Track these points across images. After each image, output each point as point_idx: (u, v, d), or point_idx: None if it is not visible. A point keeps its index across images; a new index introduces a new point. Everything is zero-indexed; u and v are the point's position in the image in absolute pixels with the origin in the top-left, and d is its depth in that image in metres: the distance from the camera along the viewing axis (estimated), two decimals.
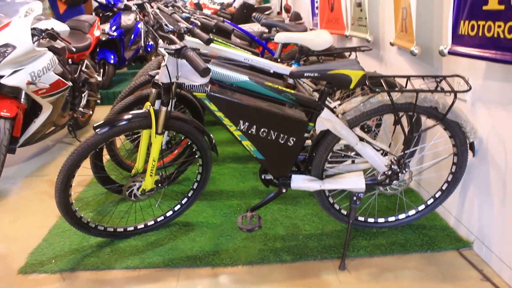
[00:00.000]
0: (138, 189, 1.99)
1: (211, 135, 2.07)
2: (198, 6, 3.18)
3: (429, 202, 2.14)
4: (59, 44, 3.16)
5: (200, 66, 1.31)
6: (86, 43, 3.73)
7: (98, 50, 5.19)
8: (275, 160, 1.89)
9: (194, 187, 2.21)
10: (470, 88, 1.70)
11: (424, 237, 2.11)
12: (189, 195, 2.23)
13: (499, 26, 1.56)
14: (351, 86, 1.68)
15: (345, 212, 2.12)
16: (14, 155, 3.46)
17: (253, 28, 4.34)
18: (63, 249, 2.10)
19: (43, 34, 2.90)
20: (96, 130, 1.76)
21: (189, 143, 2.04)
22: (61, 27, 3.19)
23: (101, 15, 5.33)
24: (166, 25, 1.51)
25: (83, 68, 3.77)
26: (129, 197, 2.01)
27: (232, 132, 1.82)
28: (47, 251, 2.10)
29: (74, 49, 3.18)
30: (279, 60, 2.84)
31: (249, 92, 1.79)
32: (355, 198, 1.96)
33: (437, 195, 2.11)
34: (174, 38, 1.49)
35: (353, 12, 3.45)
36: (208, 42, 1.72)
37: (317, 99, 1.78)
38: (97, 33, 4.01)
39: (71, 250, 2.09)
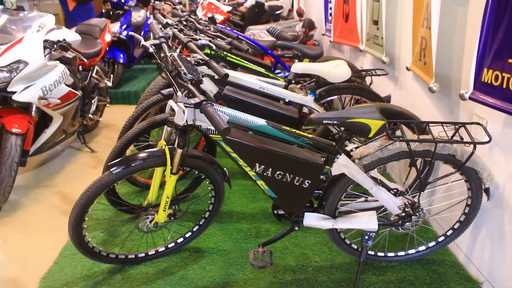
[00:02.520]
0: (151, 221, 1.99)
1: (225, 168, 2.06)
2: (212, 20, 3.13)
3: (440, 239, 2.13)
4: (70, 54, 3.13)
5: (221, 126, 1.29)
6: (96, 49, 3.71)
7: (107, 49, 5.15)
8: (289, 200, 1.88)
9: (206, 216, 2.21)
10: (490, 140, 1.68)
11: (433, 274, 2.12)
12: (201, 223, 2.23)
13: None
14: (370, 135, 1.66)
15: (355, 247, 2.12)
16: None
17: (266, 32, 4.29)
18: (75, 275, 2.12)
19: (55, 46, 2.88)
20: (111, 170, 1.76)
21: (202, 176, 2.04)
22: (73, 37, 3.16)
23: (111, 13, 5.27)
24: (185, 73, 1.49)
25: (93, 74, 3.75)
26: (141, 230, 2.02)
27: (247, 172, 1.81)
28: (59, 276, 2.11)
29: (85, 60, 3.15)
30: (293, 81, 2.81)
31: (265, 135, 1.77)
32: (366, 237, 1.96)
33: (448, 233, 2.11)
34: (194, 89, 1.47)
35: (368, 28, 3.40)
36: (224, 77, 1.71)
37: (334, 144, 1.77)
38: (107, 38, 3.97)
39: (82, 276, 2.11)
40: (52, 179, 3.18)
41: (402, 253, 2.18)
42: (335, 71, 2.18)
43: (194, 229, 2.24)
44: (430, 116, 2.46)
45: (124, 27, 5.17)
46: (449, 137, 1.76)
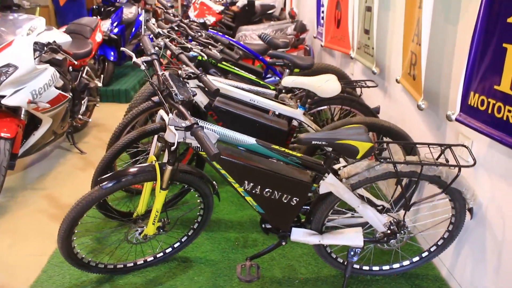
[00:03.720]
0: (140, 233, 2.01)
1: (214, 182, 2.08)
2: (204, 26, 3.12)
3: (423, 255, 2.18)
4: (60, 56, 3.11)
5: (211, 151, 1.30)
6: (87, 49, 3.68)
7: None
8: (276, 216, 1.91)
9: (195, 227, 2.23)
10: (475, 163, 1.72)
11: None
12: (189, 233, 2.25)
13: (509, 111, 1.57)
14: (358, 157, 1.69)
15: (341, 261, 2.16)
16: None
17: (257, 32, 4.28)
18: (63, 284, 2.13)
19: (45, 48, 2.85)
20: (101, 185, 1.77)
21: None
22: (63, 38, 3.14)
23: (102, 9, 5.21)
24: (176, 94, 1.50)
25: (84, 75, 3.73)
26: (130, 241, 2.03)
27: (236, 188, 1.84)
28: (47, 285, 2.12)
29: (76, 62, 3.13)
30: (283, 91, 2.83)
31: (255, 152, 1.79)
32: (352, 253, 1.99)
33: (432, 249, 2.15)
34: (184, 111, 1.48)
35: (360, 37, 3.42)
36: (215, 92, 1.72)
37: (322, 163, 1.80)
38: (98, 38, 3.94)
39: (71, 286, 2.12)
40: (41, 182, 3.17)
41: (387, 267, 2.22)
42: (326, 86, 2.21)
43: (183, 240, 2.26)
44: (417, 131, 2.50)
45: (115, 24, 5.13)
46: (435, 158, 1.79)
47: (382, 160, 1.71)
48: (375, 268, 2.22)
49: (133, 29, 5.77)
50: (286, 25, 4.96)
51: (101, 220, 2.62)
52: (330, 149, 1.74)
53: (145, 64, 1.69)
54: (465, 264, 2.06)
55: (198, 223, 2.21)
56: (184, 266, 2.27)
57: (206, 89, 2.39)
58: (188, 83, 2.06)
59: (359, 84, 2.81)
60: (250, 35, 4.94)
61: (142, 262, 2.22)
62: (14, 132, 2.63)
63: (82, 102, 3.75)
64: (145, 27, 6.31)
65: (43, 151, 3.69)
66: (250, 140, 1.75)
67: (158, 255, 2.25)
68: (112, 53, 5.17)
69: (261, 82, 3.15)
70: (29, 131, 3.02)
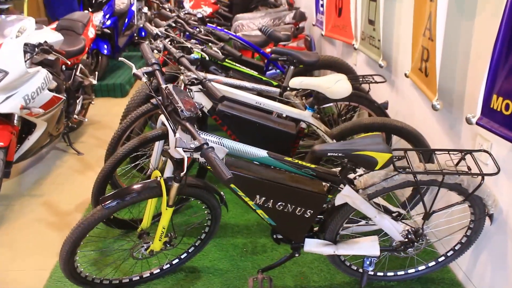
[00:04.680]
0: (146, 249, 1.91)
1: (222, 192, 1.98)
2: (202, 21, 2.98)
3: (440, 259, 2.11)
4: (52, 56, 2.96)
5: (224, 175, 1.20)
6: (80, 46, 3.53)
7: None
8: (289, 228, 1.82)
9: (202, 237, 2.14)
10: (499, 171, 1.63)
11: None
12: (196, 244, 2.17)
13: None
14: (377, 168, 1.59)
15: (355, 268, 2.08)
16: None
17: (254, 21, 4.14)
18: None
19: (36, 49, 2.71)
20: (103, 204, 1.66)
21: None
22: (54, 37, 2.99)
23: (94, 1, 5.02)
24: (182, 110, 1.38)
25: (77, 73, 3.58)
26: (136, 257, 1.94)
27: (246, 202, 1.74)
28: None
29: (69, 62, 2.99)
30: (288, 88, 2.72)
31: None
32: (368, 262, 1.92)
33: (448, 254, 2.08)
34: (192, 130, 1.36)
35: (363, 27, 3.29)
36: (221, 100, 1.61)
37: (338, 173, 1.70)
38: (91, 33, 3.78)
39: None
40: (37, 187, 3.06)
41: (402, 272, 2.15)
42: (335, 87, 2.09)
43: (190, 250, 2.18)
44: (429, 129, 2.41)
45: (107, 16, 4.95)
46: (455, 164, 1.71)
47: (401, 171, 1.61)
48: (390, 273, 2.15)
49: (126, 20, 5.59)
50: (284, 13, 4.81)
51: (104, 230, 2.53)
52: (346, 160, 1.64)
53: (145, 76, 1.57)
54: (484, 269, 1.99)
55: (206, 233, 2.12)
56: (192, 278, 2.19)
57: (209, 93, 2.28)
58: (191, 90, 1.95)
59: (366, 79, 2.70)
60: (248, 24, 4.79)
61: (148, 274, 2.14)
62: (7, 140, 2.51)
63: (77, 101, 3.61)
64: (138, 16, 6.13)
65: (39, 153, 3.56)
66: (262, 153, 1.64)
67: (164, 267, 2.17)
68: (105, 46, 5.01)
69: (263, 78, 3.03)
70: (23, 136, 2.91)
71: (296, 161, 1.67)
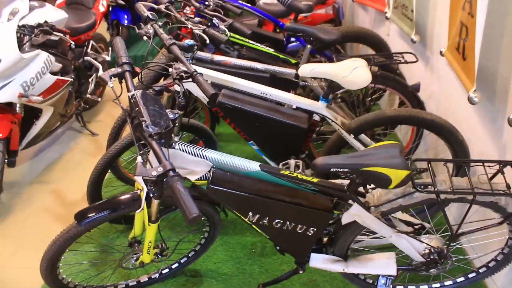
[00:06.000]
0: (136, 260, 1.76)
1: None
2: None
3: (470, 276, 1.84)
4: (55, 36, 2.78)
5: (188, 213, 0.97)
6: (90, 22, 3.33)
7: (110, 9, 4.72)
8: (290, 246, 1.60)
9: (202, 242, 1.97)
10: None
11: None
12: (196, 249, 2.00)
13: None
14: (390, 187, 1.32)
15: (370, 281, 1.85)
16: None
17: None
18: None
19: (36, 31, 2.54)
20: (79, 222, 1.50)
21: None
22: (57, 16, 2.80)
23: None
24: (147, 126, 1.15)
25: (89, 50, 3.41)
26: (126, 267, 1.79)
27: (239, 216, 1.53)
28: None
29: (72, 43, 2.80)
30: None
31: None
32: (383, 281, 1.68)
33: (481, 270, 1.80)
34: (158, 150, 1.12)
35: None
36: (212, 97, 1.38)
37: (345, 187, 1.44)
38: (102, 7, 3.56)
39: None
40: (48, 173, 2.98)
41: (425, 286, 1.90)
42: (353, 76, 1.78)
43: (190, 255, 2.01)
44: (466, 120, 2.07)
45: None
46: (490, 178, 1.40)
47: (422, 190, 1.33)
48: (411, 287, 1.91)
49: None
50: None
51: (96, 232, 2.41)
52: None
53: (113, 79, 1.34)
54: None
55: (205, 239, 1.94)
56: (193, 283, 2.04)
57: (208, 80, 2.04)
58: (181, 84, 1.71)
59: (395, 59, 2.35)
60: None
61: (146, 279, 2.00)
62: (6, 131, 2.39)
63: (90, 80, 3.46)
64: None
65: (54, 134, 3.47)
66: (253, 166, 1.40)
67: (163, 271, 2.02)
68: (125, 16, 4.78)
69: (281, 56, 2.73)
70: (30, 121, 2.80)
71: (295, 174, 1.42)
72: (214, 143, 2.31)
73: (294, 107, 1.99)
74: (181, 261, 2.03)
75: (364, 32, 3.04)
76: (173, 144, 1.38)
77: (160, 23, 1.95)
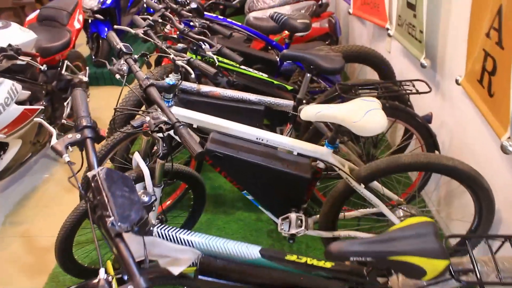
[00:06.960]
0: None
1: None
2: (198, 12, 2.41)
3: None
4: (22, 60, 2.48)
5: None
6: (64, 40, 3.02)
7: (90, 22, 4.41)
8: None
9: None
10: None
11: None
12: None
13: None
14: (425, 279, 1.06)
15: None
16: None
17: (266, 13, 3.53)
18: None
19: None
20: None
21: None
22: (24, 37, 2.50)
23: None
24: (113, 224, 0.86)
25: (63, 71, 3.10)
26: None
27: None
28: None
29: (40, 67, 2.50)
30: (304, 101, 2.16)
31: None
32: None
33: None
34: (126, 255, 0.84)
35: (400, 10, 2.63)
36: (199, 156, 1.11)
37: (365, 272, 1.17)
38: (77, 24, 3.25)
39: None
40: (18, 211, 2.67)
41: None
42: (365, 121, 1.50)
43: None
44: (490, 162, 1.81)
45: None
46: None
47: (462, 281, 1.07)
48: None
49: None
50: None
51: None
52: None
53: (70, 149, 1.06)
54: None
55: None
56: None
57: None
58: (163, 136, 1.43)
59: (404, 88, 2.10)
60: None
61: None
62: None
63: (65, 104, 3.15)
64: None
65: (27, 163, 3.16)
66: (252, 252, 1.13)
67: None
68: (106, 29, 4.47)
69: (275, 82, 2.46)
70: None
71: (304, 259, 1.15)
72: (202, 187, 2.02)
73: (295, 153, 1.71)
74: None
75: (366, 52, 2.77)
76: (151, 229, 1.10)
77: (136, 56, 1.66)
